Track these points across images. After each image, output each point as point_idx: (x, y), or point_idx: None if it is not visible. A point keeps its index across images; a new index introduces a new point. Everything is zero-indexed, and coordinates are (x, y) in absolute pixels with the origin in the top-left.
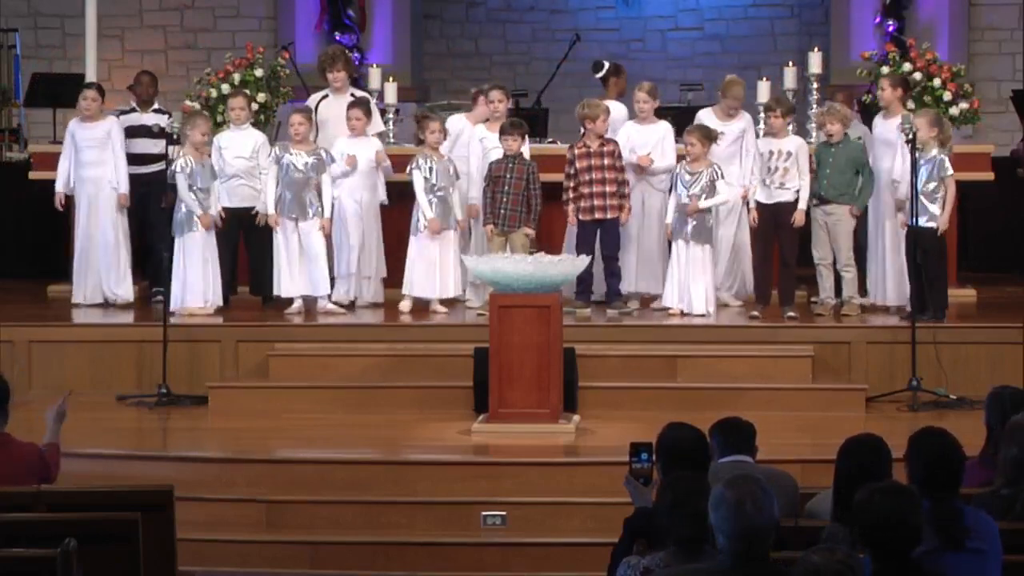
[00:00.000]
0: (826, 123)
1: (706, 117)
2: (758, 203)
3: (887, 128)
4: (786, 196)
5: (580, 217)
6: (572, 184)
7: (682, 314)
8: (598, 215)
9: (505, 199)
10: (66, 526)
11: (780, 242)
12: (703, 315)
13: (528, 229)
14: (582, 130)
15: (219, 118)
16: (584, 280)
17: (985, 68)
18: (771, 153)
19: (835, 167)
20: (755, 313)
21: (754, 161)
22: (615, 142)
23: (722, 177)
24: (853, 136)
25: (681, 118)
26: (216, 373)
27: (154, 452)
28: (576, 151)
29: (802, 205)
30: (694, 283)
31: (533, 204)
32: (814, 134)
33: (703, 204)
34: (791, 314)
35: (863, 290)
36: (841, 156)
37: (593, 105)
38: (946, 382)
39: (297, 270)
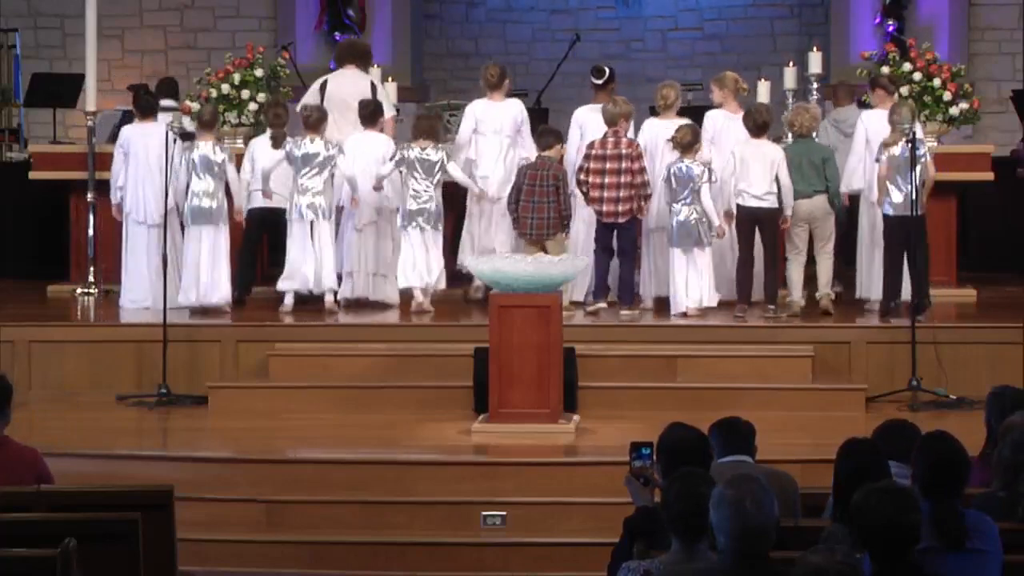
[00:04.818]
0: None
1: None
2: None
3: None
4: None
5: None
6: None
7: (686, 313)
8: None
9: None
10: (66, 526)
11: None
12: (712, 307)
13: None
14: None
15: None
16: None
17: (985, 68)
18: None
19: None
20: (739, 314)
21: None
22: (635, 142)
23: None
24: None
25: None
26: (216, 373)
27: (154, 452)
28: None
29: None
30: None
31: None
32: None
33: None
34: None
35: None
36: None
37: (624, 103)
38: (946, 382)
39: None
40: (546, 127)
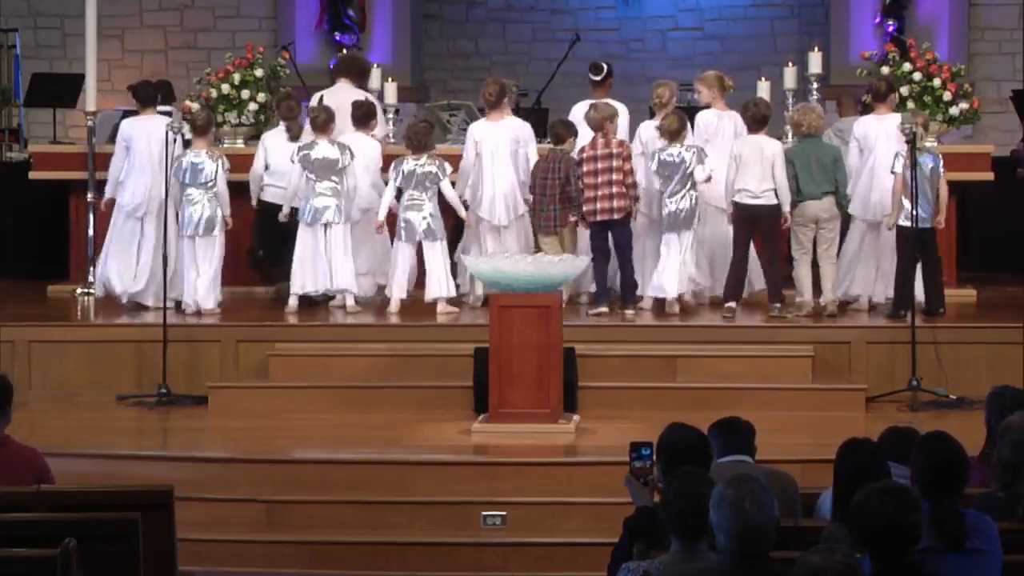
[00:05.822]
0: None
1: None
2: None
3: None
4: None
5: (590, 219)
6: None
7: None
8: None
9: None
10: (66, 526)
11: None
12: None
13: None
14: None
15: (219, 118)
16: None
17: (985, 68)
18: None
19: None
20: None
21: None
22: (625, 142)
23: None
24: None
25: None
26: (216, 373)
27: (154, 452)
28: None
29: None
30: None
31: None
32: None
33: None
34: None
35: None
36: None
37: (605, 106)
38: (946, 382)
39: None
40: (558, 121)
